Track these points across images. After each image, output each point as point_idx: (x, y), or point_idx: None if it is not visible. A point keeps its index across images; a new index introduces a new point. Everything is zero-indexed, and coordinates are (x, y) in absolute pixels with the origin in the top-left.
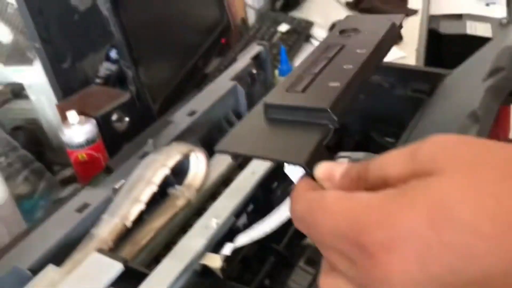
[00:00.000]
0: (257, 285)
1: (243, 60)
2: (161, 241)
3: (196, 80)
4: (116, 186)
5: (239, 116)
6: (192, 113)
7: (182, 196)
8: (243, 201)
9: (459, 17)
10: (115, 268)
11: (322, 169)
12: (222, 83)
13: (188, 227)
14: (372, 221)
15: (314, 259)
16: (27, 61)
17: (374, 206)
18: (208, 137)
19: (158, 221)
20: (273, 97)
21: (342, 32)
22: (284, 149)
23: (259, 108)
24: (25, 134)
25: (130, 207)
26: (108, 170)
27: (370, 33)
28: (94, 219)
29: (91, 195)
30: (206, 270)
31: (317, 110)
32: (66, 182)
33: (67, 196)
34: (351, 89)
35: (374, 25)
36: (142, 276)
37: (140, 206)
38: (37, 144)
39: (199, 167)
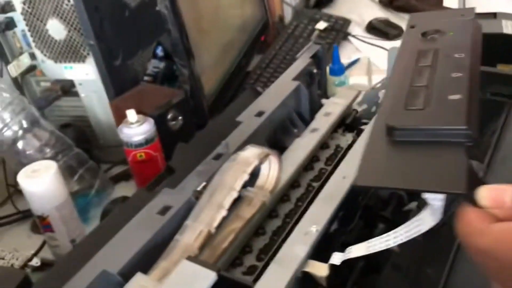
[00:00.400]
0: None
1: (303, 60)
2: (238, 245)
3: (240, 78)
4: (198, 189)
5: (301, 116)
6: (260, 114)
7: (256, 198)
8: (338, 206)
9: (492, 15)
10: (208, 277)
11: (487, 195)
12: (284, 83)
13: (260, 230)
14: None
15: (400, 265)
16: (80, 58)
17: None
18: (273, 137)
19: (236, 223)
20: (394, 118)
21: (424, 34)
22: (434, 177)
23: (376, 130)
24: (73, 132)
25: (215, 213)
26: (170, 170)
27: (457, 34)
28: (178, 222)
29: (171, 198)
30: (307, 278)
31: (453, 129)
32: (116, 180)
33: (133, 197)
34: (474, 100)
35: (454, 24)
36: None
37: (223, 213)
38: (85, 142)
39: (272, 169)
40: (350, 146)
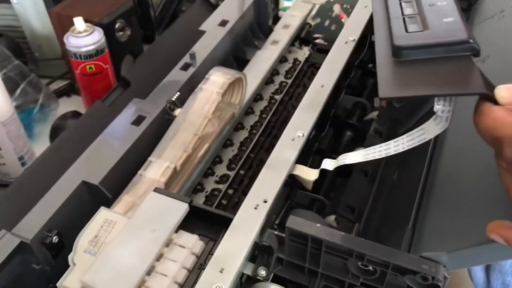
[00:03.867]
0: (323, 194)
1: None
2: (209, 158)
3: None
4: (173, 98)
5: (261, 26)
6: (223, 23)
7: (225, 110)
8: (321, 112)
9: None
10: (181, 208)
11: (505, 93)
12: None
13: (228, 141)
14: None
15: (366, 170)
16: None
17: None
18: (236, 49)
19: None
20: (399, 39)
21: None
22: (453, 82)
23: (382, 51)
24: (5, 43)
25: (180, 153)
26: (125, 83)
27: None
28: (153, 133)
29: (143, 108)
30: (292, 181)
31: (458, 43)
32: (57, 96)
33: (92, 110)
34: (465, 21)
35: None
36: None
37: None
38: (18, 55)
39: (238, 87)
40: (307, 60)
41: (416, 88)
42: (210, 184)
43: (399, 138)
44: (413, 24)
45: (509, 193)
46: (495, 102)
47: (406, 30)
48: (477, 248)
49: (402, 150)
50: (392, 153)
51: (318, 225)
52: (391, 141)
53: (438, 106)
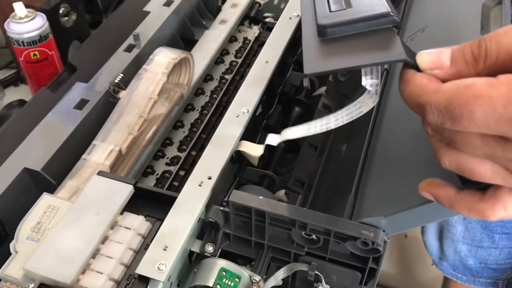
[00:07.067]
0: (272, 170)
1: None
2: (159, 140)
3: None
4: (116, 80)
5: (208, 6)
6: (168, 3)
7: (173, 91)
8: (265, 88)
9: None
10: (125, 191)
11: (426, 58)
12: None
13: (179, 123)
14: None
15: (314, 144)
16: None
17: None
18: (183, 28)
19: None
20: (323, 18)
21: None
22: (375, 53)
23: (308, 32)
24: None
25: (125, 136)
26: (71, 68)
27: None
28: (97, 116)
29: (86, 92)
30: (238, 157)
31: (378, 16)
32: (3, 86)
33: (37, 97)
34: None
35: None
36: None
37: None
38: None
39: (188, 67)
40: (257, 39)
41: (339, 61)
42: (160, 167)
43: (339, 112)
44: (336, 3)
45: (436, 157)
46: (418, 69)
47: (330, 10)
48: (412, 211)
49: (342, 123)
50: (333, 127)
51: (261, 197)
52: (331, 115)
53: (366, 81)
